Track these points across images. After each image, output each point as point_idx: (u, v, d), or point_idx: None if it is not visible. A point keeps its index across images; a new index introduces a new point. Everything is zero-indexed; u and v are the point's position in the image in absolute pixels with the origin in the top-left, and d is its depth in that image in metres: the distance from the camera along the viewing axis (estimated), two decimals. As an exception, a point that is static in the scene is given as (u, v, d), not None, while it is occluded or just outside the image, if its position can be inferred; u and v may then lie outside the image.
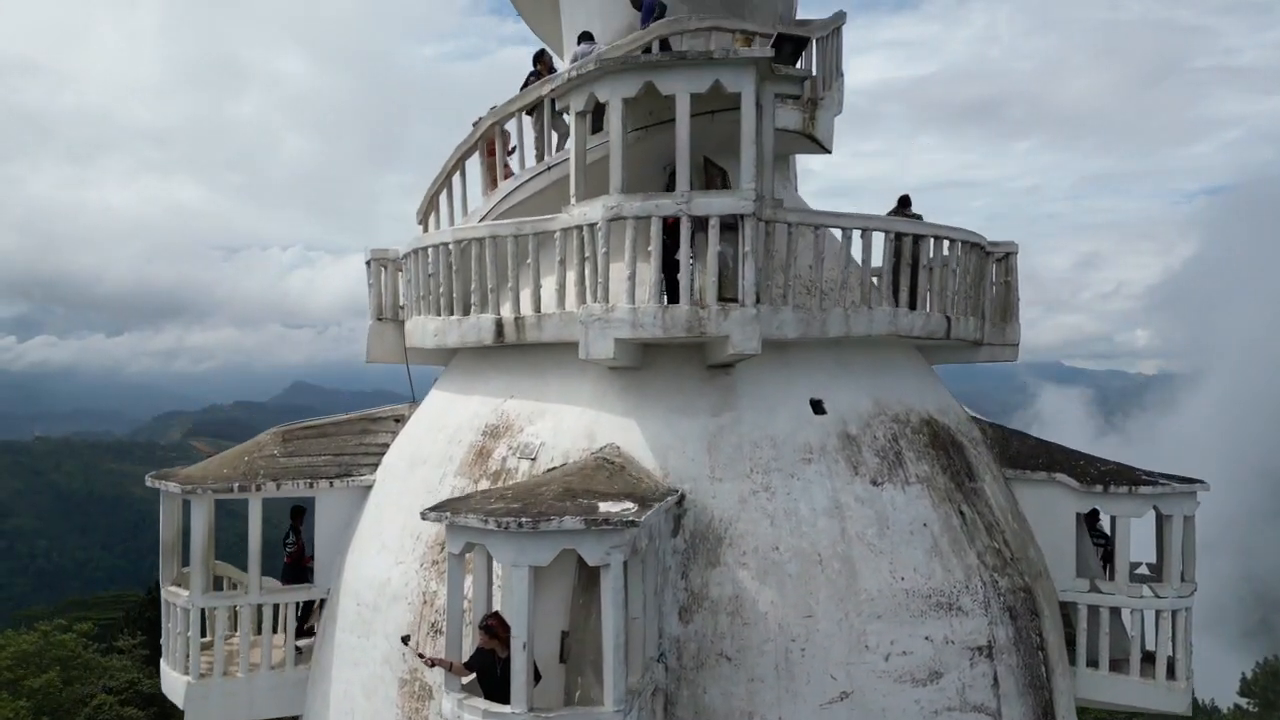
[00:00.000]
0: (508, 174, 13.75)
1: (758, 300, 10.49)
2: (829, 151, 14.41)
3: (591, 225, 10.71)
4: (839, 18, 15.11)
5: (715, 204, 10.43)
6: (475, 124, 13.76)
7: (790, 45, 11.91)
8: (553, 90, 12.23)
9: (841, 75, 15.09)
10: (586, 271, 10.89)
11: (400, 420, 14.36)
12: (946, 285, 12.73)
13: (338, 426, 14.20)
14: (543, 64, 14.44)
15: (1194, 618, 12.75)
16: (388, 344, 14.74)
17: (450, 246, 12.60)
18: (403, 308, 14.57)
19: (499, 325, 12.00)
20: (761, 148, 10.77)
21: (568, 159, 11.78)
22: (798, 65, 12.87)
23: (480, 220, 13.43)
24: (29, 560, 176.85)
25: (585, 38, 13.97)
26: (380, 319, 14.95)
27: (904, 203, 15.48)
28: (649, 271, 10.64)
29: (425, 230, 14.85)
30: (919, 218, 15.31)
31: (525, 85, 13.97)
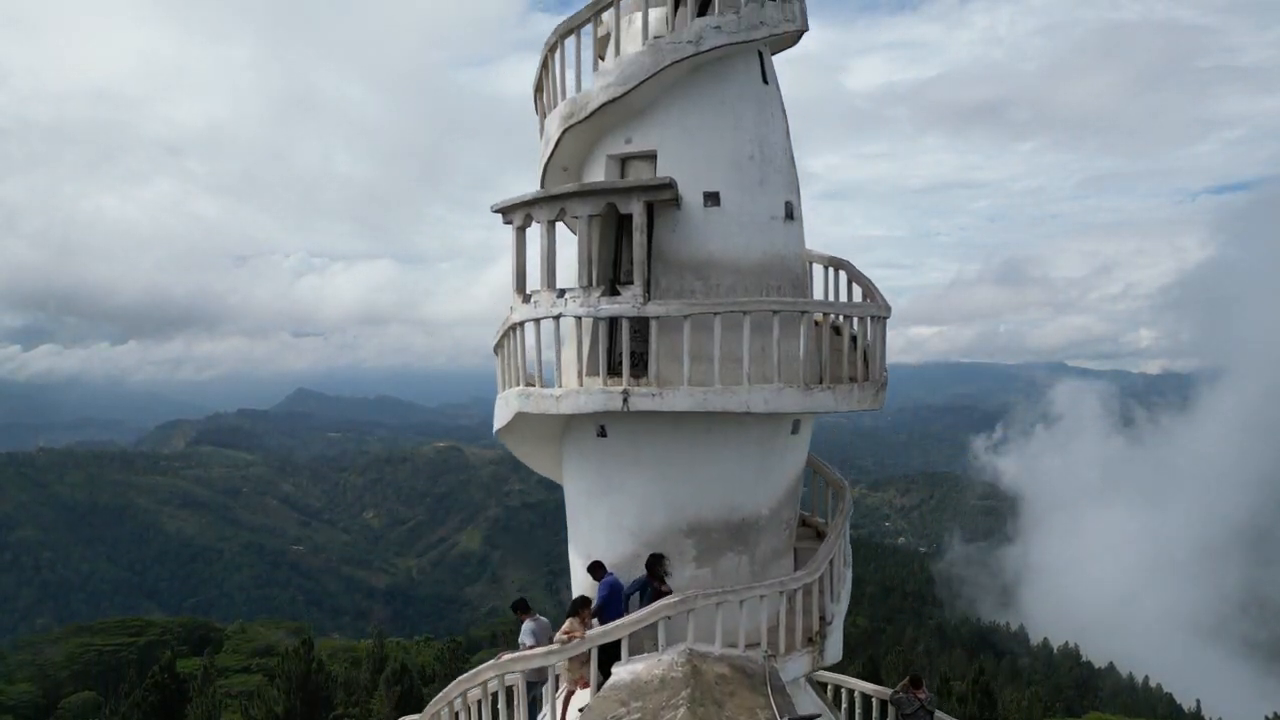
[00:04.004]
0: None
1: None
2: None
3: None
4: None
5: None
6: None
7: None
8: None
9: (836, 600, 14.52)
10: None
11: None
12: None
13: None
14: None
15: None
16: None
17: None
18: None
19: None
20: None
21: None
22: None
23: None
24: (34, 573, 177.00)
25: (596, 568, 13.37)
26: None
27: (915, 683, 14.92)
28: None
29: None
30: (934, 703, 14.91)
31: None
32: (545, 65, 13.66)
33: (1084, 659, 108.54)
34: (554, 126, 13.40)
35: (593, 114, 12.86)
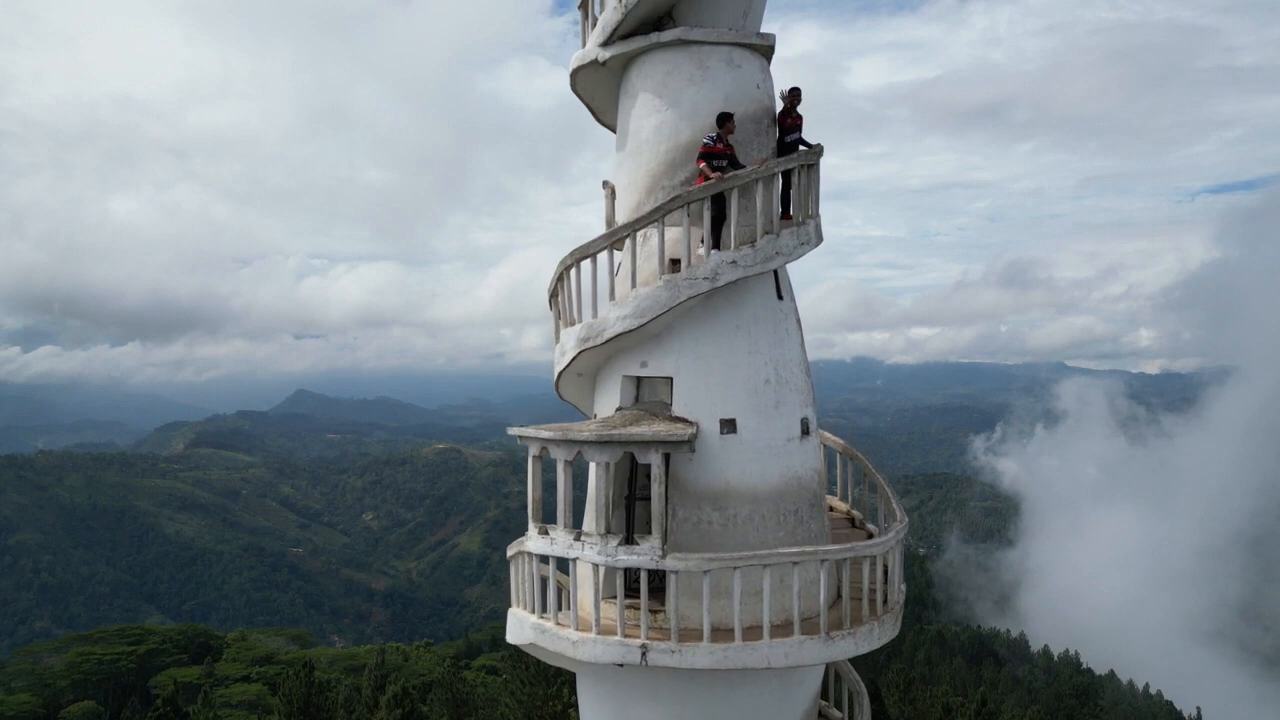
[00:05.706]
0: None
1: None
2: None
3: None
4: None
5: None
6: None
7: None
8: None
9: None
10: None
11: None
12: None
13: None
14: None
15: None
16: None
17: None
18: None
19: None
20: None
21: None
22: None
23: None
24: (33, 576, 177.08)
25: None
26: None
27: None
28: None
29: None
30: None
31: None
32: (561, 279, 13.59)
33: (1084, 666, 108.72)
34: (570, 343, 13.35)
35: (608, 341, 12.82)
